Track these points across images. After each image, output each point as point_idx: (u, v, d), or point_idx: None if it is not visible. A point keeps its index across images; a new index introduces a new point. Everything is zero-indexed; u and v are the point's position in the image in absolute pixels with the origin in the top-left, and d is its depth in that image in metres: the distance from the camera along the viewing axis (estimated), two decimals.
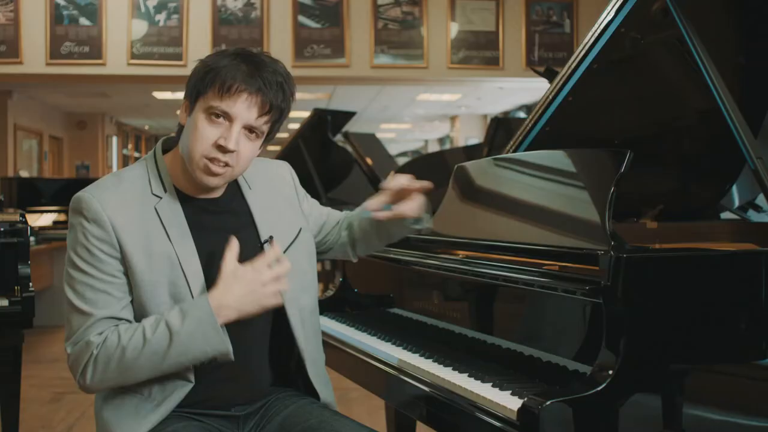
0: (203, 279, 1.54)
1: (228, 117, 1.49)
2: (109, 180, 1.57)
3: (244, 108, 1.49)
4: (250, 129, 1.52)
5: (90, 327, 1.46)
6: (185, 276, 1.51)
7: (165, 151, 1.63)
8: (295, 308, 1.65)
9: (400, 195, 1.69)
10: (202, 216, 1.59)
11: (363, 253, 1.93)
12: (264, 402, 1.66)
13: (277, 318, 1.66)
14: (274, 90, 1.51)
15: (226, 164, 1.51)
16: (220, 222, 1.61)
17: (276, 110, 1.53)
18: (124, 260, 1.49)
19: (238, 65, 1.49)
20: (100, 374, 1.45)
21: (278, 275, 1.49)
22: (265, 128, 1.55)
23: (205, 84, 1.50)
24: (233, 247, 1.50)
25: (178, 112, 1.60)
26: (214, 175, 1.51)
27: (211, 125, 1.49)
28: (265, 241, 1.64)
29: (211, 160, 1.50)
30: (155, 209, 1.54)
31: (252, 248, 1.61)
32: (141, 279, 1.50)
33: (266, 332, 1.66)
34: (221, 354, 1.46)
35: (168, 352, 1.44)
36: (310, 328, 1.71)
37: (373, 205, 1.70)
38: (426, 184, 1.68)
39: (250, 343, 1.58)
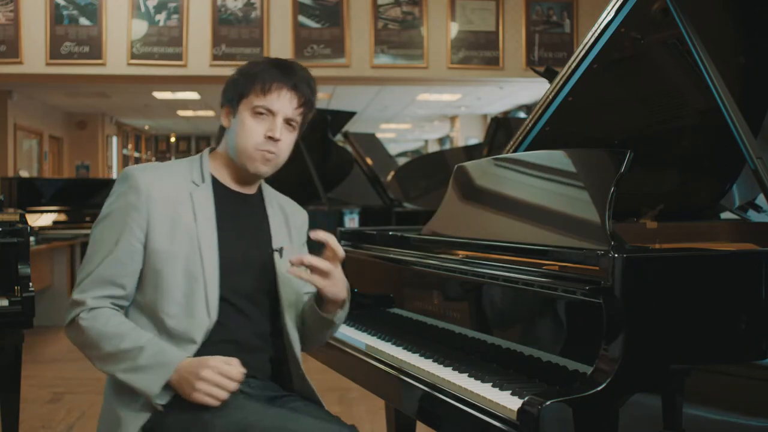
0: (218, 260, 1.69)
1: (271, 112, 1.73)
2: (158, 163, 1.78)
3: (285, 102, 1.73)
4: (288, 121, 1.75)
5: (93, 284, 1.64)
6: (201, 254, 1.67)
7: None
8: (292, 320, 1.80)
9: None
10: (234, 204, 1.79)
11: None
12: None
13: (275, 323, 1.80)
14: (305, 85, 1.76)
15: (273, 153, 1.74)
16: (248, 214, 1.82)
17: (308, 103, 1.78)
18: (148, 229, 1.66)
19: (271, 68, 1.74)
20: (80, 336, 1.64)
21: (221, 384, 1.55)
22: (299, 119, 1.78)
23: (246, 88, 1.73)
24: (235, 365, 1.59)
25: (221, 118, 1.81)
26: (267, 162, 1.74)
27: (257, 122, 1.73)
28: (275, 250, 1.80)
29: (263, 150, 1.72)
30: (190, 193, 1.72)
31: (263, 249, 1.81)
32: (161, 248, 1.65)
33: (266, 333, 1.79)
34: (147, 394, 1.57)
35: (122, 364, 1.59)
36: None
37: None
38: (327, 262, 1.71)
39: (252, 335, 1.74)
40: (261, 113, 1.72)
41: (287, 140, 1.76)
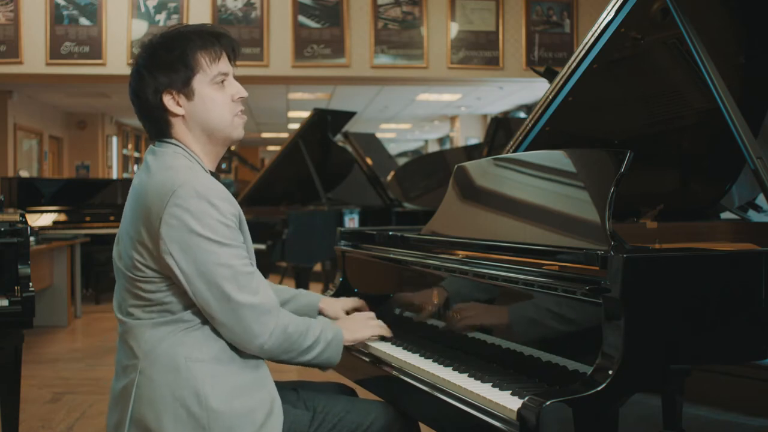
0: None
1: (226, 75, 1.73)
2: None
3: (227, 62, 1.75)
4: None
5: (266, 288, 1.68)
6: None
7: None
8: None
9: None
10: None
11: None
12: None
13: None
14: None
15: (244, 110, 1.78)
16: None
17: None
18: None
19: (196, 39, 1.73)
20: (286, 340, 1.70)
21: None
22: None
23: (193, 66, 1.69)
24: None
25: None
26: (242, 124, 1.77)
27: (218, 90, 1.72)
28: None
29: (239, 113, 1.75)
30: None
31: None
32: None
33: None
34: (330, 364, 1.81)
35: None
36: None
37: None
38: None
39: None
40: (221, 81, 1.71)
41: None
